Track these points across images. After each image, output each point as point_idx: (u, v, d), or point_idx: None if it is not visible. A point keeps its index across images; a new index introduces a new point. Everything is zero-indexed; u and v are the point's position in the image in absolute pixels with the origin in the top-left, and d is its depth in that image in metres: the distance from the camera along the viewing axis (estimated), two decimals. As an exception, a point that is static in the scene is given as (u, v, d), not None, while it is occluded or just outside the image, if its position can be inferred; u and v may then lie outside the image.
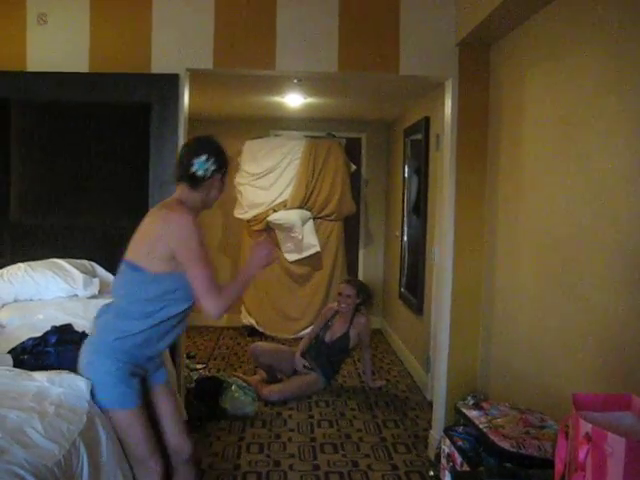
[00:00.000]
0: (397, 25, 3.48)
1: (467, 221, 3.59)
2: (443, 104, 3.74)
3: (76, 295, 3.57)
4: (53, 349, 2.68)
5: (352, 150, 6.97)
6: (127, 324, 2.25)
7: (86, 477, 1.96)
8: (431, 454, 3.68)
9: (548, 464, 1.89)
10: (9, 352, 2.60)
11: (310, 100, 5.63)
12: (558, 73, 2.72)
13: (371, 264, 7.35)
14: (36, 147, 3.53)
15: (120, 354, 2.24)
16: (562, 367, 2.56)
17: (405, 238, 6.04)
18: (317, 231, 6.54)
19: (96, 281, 3.66)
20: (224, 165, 2.36)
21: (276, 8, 3.45)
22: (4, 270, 3.33)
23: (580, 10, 2.50)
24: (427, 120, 5.10)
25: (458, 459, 2.38)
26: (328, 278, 6.68)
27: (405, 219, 6.03)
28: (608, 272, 2.24)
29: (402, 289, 6.06)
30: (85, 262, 3.83)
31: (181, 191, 2.33)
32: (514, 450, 2.10)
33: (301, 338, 5.59)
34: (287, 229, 6.41)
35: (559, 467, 1.58)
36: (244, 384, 4.58)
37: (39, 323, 3.08)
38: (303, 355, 5.01)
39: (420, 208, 5.34)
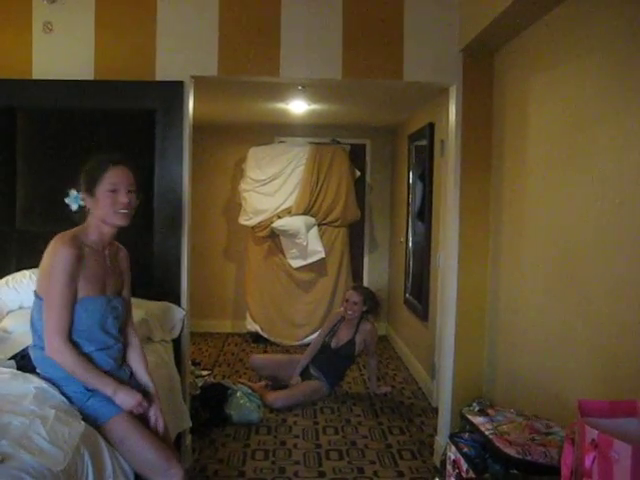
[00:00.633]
0: (401, 32, 3.49)
1: (472, 227, 3.59)
2: (447, 110, 3.74)
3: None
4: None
5: (356, 156, 6.98)
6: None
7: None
8: (437, 461, 3.66)
9: (554, 471, 1.88)
10: (10, 359, 2.59)
11: (314, 106, 5.64)
12: (562, 79, 2.72)
13: (376, 270, 7.34)
14: (42, 155, 3.55)
15: (68, 377, 2.24)
16: (568, 373, 2.55)
17: (410, 244, 6.03)
18: (322, 237, 6.55)
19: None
20: (92, 184, 2.36)
21: (280, 15, 3.46)
22: (9, 277, 3.34)
23: (583, 16, 2.50)
24: (431, 126, 5.11)
25: (464, 466, 2.37)
26: (333, 284, 6.68)
27: (410, 225, 6.03)
28: (614, 279, 2.23)
29: (407, 295, 6.05)
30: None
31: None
32: (520, 457, 2.09)
33: (306, 344, 5.58)
34: (292, 235, 6.42)
35: (565, 473, 1.58)
36: (249, 391, 4.58)
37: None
38: (308, 365, 4.99)
39: (425, 214, 5.34)
